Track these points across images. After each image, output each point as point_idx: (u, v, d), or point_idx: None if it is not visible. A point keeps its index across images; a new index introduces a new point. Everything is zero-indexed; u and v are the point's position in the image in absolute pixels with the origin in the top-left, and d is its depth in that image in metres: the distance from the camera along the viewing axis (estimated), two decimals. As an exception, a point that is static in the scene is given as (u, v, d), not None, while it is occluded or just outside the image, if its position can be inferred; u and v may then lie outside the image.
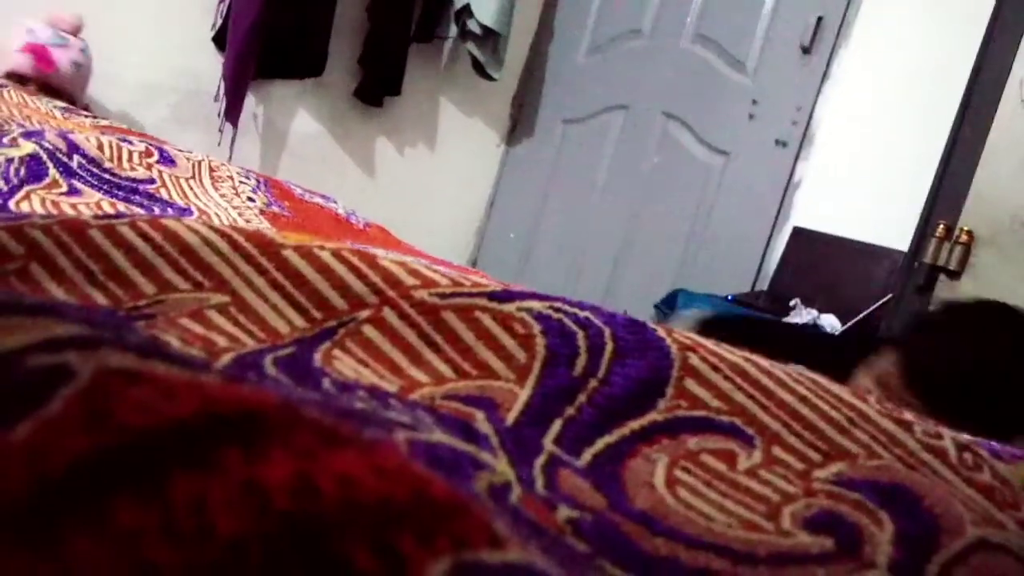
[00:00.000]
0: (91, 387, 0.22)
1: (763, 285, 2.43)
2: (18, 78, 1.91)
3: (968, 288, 1.99)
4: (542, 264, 2.95)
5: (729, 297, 2.25)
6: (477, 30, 2.67)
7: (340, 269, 0.44)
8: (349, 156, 2.84)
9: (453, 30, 2.73)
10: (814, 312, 2.23)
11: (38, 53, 1.96)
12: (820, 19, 2.34)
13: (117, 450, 0.20)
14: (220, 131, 2.49)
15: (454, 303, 0.42)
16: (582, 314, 0.43)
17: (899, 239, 2.15)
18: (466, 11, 2.65)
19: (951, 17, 2.15)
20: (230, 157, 2.49)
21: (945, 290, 2.01)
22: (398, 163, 2.93)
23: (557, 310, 0.43)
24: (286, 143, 2.72)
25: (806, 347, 1.10)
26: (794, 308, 2.23)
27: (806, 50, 2.37)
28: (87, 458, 0.20)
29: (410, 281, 0.43)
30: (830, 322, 2.19)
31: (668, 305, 2.25)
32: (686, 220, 2.58)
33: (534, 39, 3.08)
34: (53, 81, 1.97)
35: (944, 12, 2.18)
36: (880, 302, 2.13)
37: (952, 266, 1.99)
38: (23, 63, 1.94)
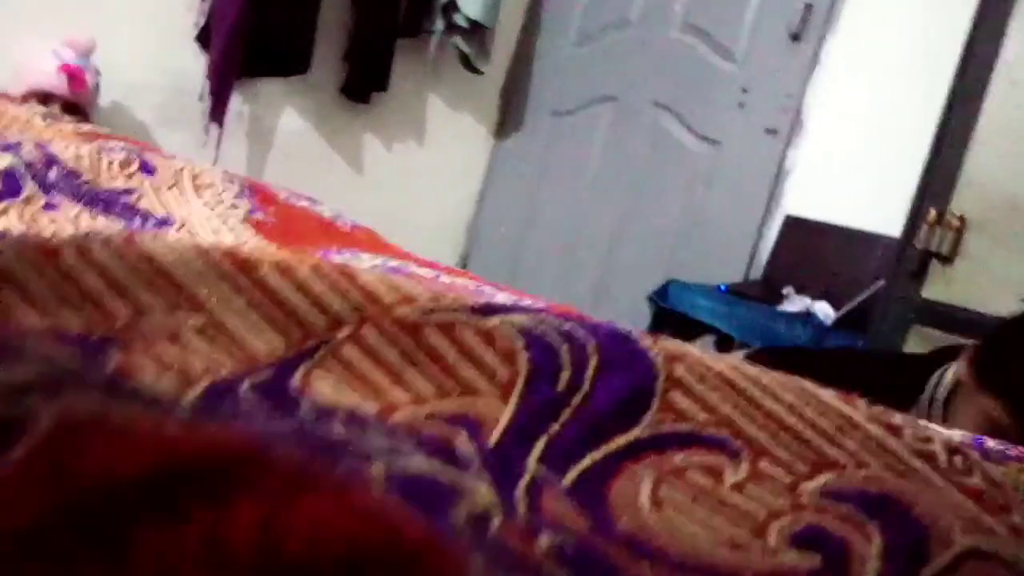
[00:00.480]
0: (52, 437, 0.22)
1: (756, 274, 2.43)
2: (42, 97, 2.02)
3: (961, 272, 1.99)
4: (534, 258, 2.95)
5: (723, 287, 2.25)
6: (463, 23, 2.65)
7: (318, 286, 0.43)
8: (337, 153, 2.83)
9: (439, 24, 2.72)
10: (807, 300, 2.23)
11: (74, 75, 2.08)
12: (808, 6, 2.33)
13: (79, 507, 0.19)
14: (206, 131, 2.48)
15: (435, 319, 0.42)
16: (566, 326, 0.42)
17: (891, 225, 2.15)
18: (452, 5, 2.63)
19: (939, 1, 2.15)
20: (216, 157, 2.47)
21: (937, 275, 2.01)
22: (386, 159, 2.92)
23: (540, 323, 0.42)
24: (273, 142, 2.71)
25: (858, 370, 1.10)
26: (787, 297, 2.23)
27: (795, 37, 2.36)
28: (48, 516, 0.19)
29: (390, 297, 0.42)
30: (823, 310, 2.19)
31: (661, 296, 2.26)
32: (678, 210, 2.58)
33: (521, 31, 3.06)
34: (80, 100, 2.10)
35: (931, -4, 2.17)
36: (872, 288, 2.13)
37: (944, 251, 1.99)
38: (56, 83, 2.05)
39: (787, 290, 2.22)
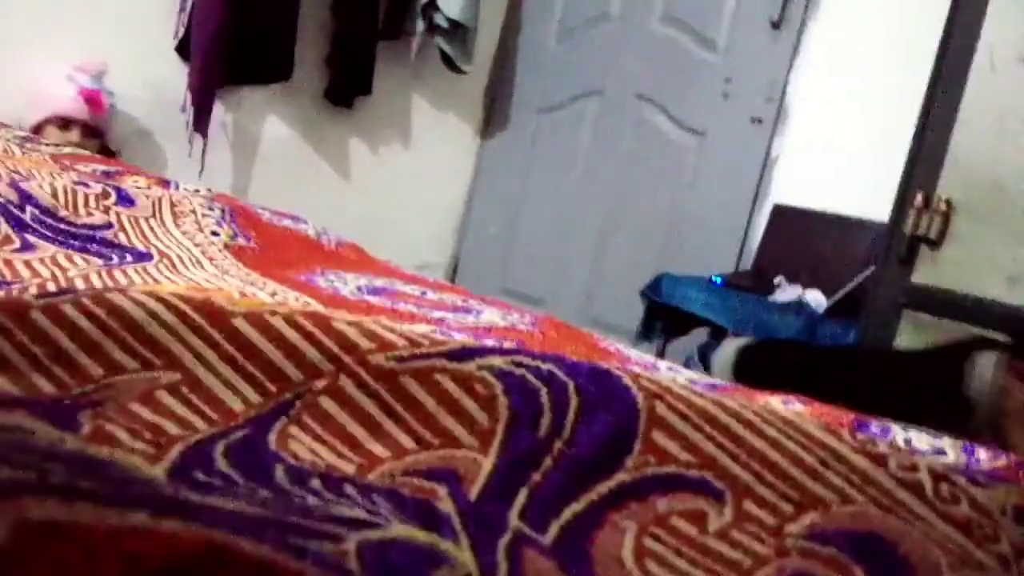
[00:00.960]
0: (10, 547, 0.21)
1: (747, 264, 2.43)
2: (63, 122, 2.11)
3: (949, 256, 2.00)
4: (524, 257, 2.94)
5: (715, 279, 2.25)
6: (444, 24, 2.63)
7: (293, 336, 0.42)
8: (323, 159, 2.81)
9: (420, 25, 2.70)
10: (799, 289, 2.23)
11: (93, 99, 2.16)
12: (788, -7, 2.32)
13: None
14: (190, 142, 2.46)
15: (413, 367, 0.41)
16: (544, 367, 0.42)
17: (879, 211, 2.15)
18: (432, 5, 2.62)
19: (918, -16, 2.14)
20: (201, 168, 2.46)
21: (927, 260, 2.01)
22: (373, 163, 2.90)
23: (519, 365, 0.42)
24: (258, 150, 2.69)
25: (849, 364, 1.10)
26: (779, 286, 2.23)
27: (775, 25, 2.35)
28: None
29: (366, 344, 0.42)
30: (815, 298, 2.19)
31: (654, 290, 2.25)
32: (666, 203, 2.58)
33: (502, 29, 3.05)
34: (99, 122, 2.18)
35: (911, -21, 2.17)
36: (863, 275, 2.13)
37: (932, 235, 1.99)
38: (76, 108, 2.12)
39: (779, 279, 2.22)
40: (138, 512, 0.24)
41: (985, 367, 0.88)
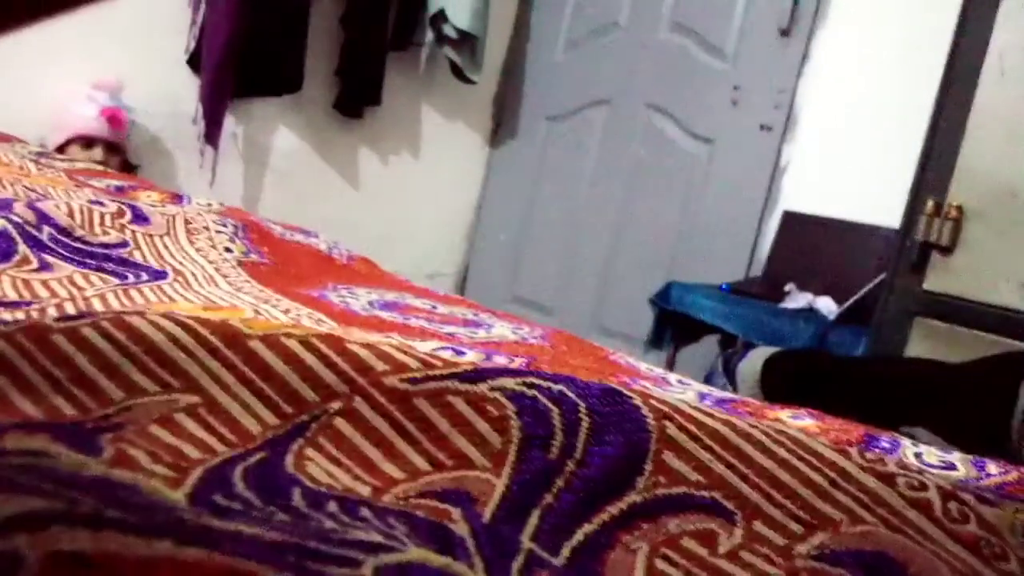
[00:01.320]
0: (38, 579, 0.22)
1: (756, 271, 2.43)
2: (86, 141, 2.15)
3: (961, 263, 1.99)
4: (534, 265, 2.95)
5: (724, 287, 2.25)
6: (453, 34, 2.65)
7: (309, 358, 0.43)
8: (333, 169, 2.83)
9: (429, 36, 2.72)
10: (809, 296, 2.22)
11: (115, 117, 2.18)
12: (796, 1, 2.32)
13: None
14: (201, 154, 2.48)
15: (426, 388, 0.42)
16: (556, 388, 0.42)
17: (890, 217, 2.14)
18: (441, 16, 2.63)
19: (927, -9, 2.14)
20: (212, 180, 2.48)
21: (938, 267, 2.01)
22: (383, 173, 2.92)
23: (531, 386, 0.42)
24: (268, 161, 2.71)
25: (877, 375, 1.09)
26: (789, 293, 2.23)
27: (784, 33, 2.36)
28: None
29: (380, 367, 0.43)
30: (826, 305, 2.19)
31: (663, 298, 2.25)
32: (676, 211, 2.58)
33: (511, 39, 3.06)
34: (120, 140, 2.21)
35: (920, -14, 2.17)
36: (873, 282, 2.13)
37: (944, 242, 1.98)
38: (98, 127, 2.16)
39: (789, 286, 2.22)
40: (163, 540, 0.24)
41: None
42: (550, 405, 0.41)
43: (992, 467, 0.57)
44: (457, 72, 2.77)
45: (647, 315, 2.25)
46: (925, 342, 1.97)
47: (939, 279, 2.01)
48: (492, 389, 0.42)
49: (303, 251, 1.01)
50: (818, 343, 2.09)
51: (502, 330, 0.84)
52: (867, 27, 2.25)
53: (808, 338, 2.09)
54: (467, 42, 2.70)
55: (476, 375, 0.42)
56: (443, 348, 0.54)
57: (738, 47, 2.47)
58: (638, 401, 0.42)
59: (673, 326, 2.28)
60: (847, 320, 2.12)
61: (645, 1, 2.68)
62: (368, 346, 0.44)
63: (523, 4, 3.04)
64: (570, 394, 0.42)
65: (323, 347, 0.43)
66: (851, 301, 2.13)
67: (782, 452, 0.40)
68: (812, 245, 2.33)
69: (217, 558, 0.24)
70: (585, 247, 2.78)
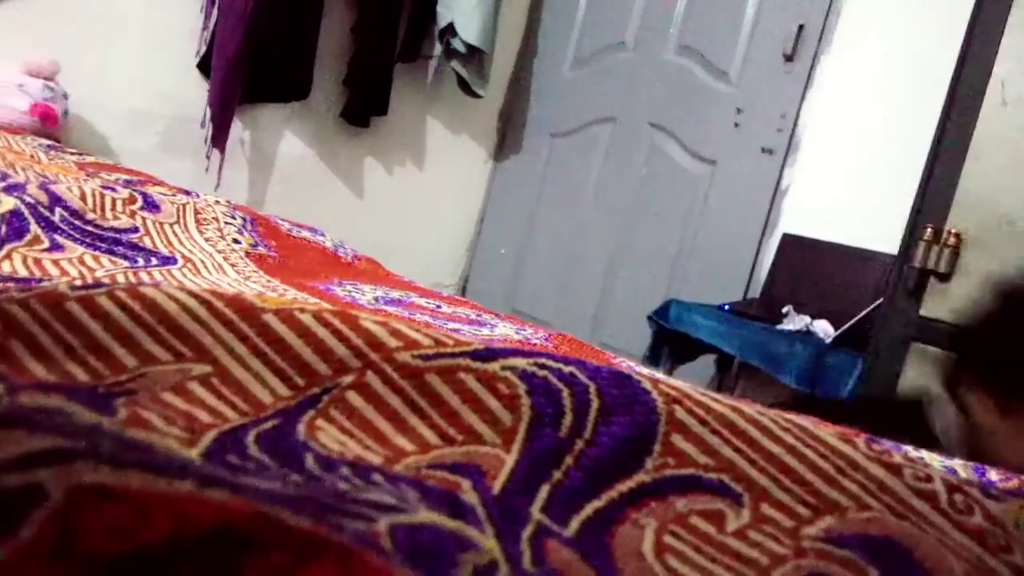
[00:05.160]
0: (64, 509, 0.22)
1: (755, 292, 2.44)
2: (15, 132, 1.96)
3: (958, 289, 2.00)
4: (534, 279, 2.95)
5: (724, 306, 2.26)
6: (461, 48, 2.68)
7: (322, 332, 0.43)
8: (338, 178, 2.84)
9: (438, 49, 2.74)
10: (807, 318, 2.23)
11: (47, 114, 2.01)
12: (801, 27, 2.35)
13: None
14: (207, 157, 2.49)
15: (438, 365, 0.42)
16: (567, 369, 0.43)
17: (888, 243, 2.15)
18: (450, 30, 2.66)
19: (931, 20, 2.17)
20: (218, 183, 2.49)
21: (935, 293, 2.01)
22: (387, 183, 2.93)
23: (542, 367, 0.42)
24: (274, 167, 2.72)
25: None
26: (787, 315, 2.23)
27: (789, 58, 2.38)
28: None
29: (393, 343, 0.43)
30: (823, 328, 2.19)
31: (662, 316, 2.26)
32: (676, 230, 2.59)
33: (519, 55, 3.09)
34: (53, 135, 2.03)
35: (924, 15, 2.19)
36: (871, 307, 2.13)
37: (942, 268, 2.00)
38: (30, 124, 1.96)
39: (787, 308, 2.23)
40: (185, 481, 0.25)
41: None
42: (560, 385, 0.41)
43: (992, 475, 0.57)
44: (464, 86, 2.79)
45: (645, 332, 2.25)
46: (921, 367, 1.97)
47: (936, 305, 2.02)
48: (503, 368, 0.42)
49: (310, 247, 1.02)
50: (814, 366, 2.10)
51: (505, 329, 0.84)
52: (870, 54, 2.28)
53: (804, 360, 2.10)
54: (475, 56, 2.73)
55: (488, 354, 0.43)
56: (455, 331, 0.54)
57: (742, 70, 2.50)
58: (648, 385, 0.43)
59: (671, 344, 2.28)
60: (843, 344, 2.12)
61: (653, 22, 2.71)
62: (381, 323, 0.44)
63: (532, 21, 3.07)
64: (581, 376, 0.42)
65: (336, 322, 0.44)
66: (848, 325, 2.14)
67: (790, 438, 0.41)
68: (810, 268, 2.34)
69: (238, 499, 0.24)
70: (585, 263, 2.79)
